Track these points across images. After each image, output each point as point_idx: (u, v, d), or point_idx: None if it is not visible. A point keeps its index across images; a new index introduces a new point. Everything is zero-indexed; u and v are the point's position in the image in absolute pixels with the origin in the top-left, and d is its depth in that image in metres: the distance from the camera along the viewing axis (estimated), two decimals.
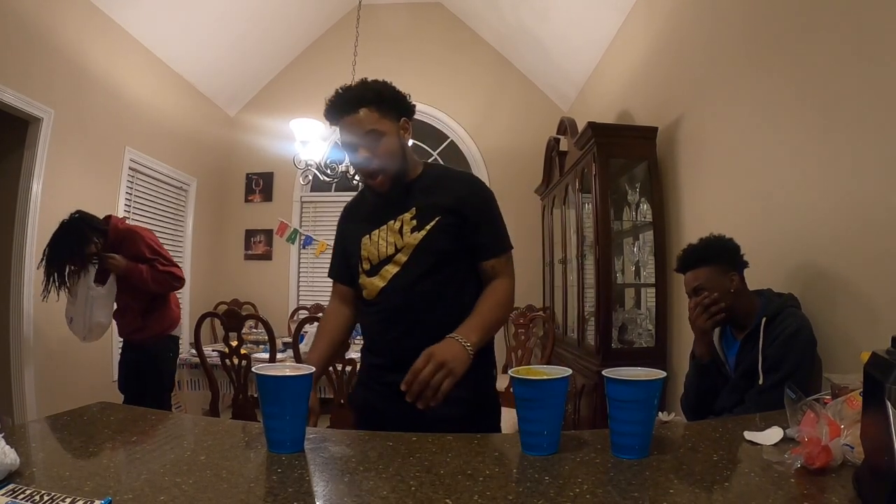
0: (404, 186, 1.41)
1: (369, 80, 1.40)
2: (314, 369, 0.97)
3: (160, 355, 2.85)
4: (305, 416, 0.96)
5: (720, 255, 1.81)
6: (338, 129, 1.39)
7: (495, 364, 1.51)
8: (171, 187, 4.79)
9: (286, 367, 0.96)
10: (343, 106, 1.34)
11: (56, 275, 2.66)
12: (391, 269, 1.38)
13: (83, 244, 2.68)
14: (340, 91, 1.36)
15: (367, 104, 1.34)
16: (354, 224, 1.51)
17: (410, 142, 1.50)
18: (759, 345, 1.67)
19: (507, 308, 1.42)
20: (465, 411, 1.30)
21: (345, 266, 1.51)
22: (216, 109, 5.44)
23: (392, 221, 1.40)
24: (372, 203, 1.48)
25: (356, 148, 1.36)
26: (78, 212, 2.76)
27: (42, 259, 2.67)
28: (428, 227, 1.37)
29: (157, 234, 4.55)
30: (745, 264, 1.84)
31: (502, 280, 1.42)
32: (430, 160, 4.69)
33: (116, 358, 4.07)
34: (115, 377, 3.02)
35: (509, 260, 1.45)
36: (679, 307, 2.83)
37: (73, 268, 2.71)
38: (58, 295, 2.70)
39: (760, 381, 1.64)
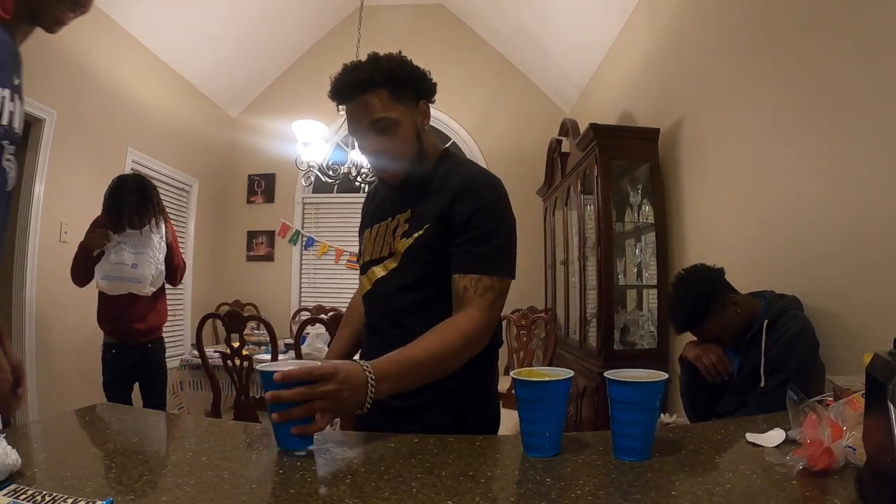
0: (411, 181, 1.23)
1: (382, 55, 1.18)
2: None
3: (158, 354, 2.91)
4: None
5: (710, 297, 1.74)
6: (344, 112, 1.20)
7: (493, 375, 1.29)
8: (173, 188, 4.79)
9: (290, 365, 0.95)
10: (350, 88, 1.15)
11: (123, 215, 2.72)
12: (377, 272, 1.25)
13: (152, 196, 2.83)
14: (348, 68, 1.17)
15: (378, 87, 1.14)
16: (368, 210, 1.39)
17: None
18: (761, 347, 1.67)
19: (457, 356, 1.08)
20: None
21: None
22: (218, 111, 5.45)
23: (390, 219, 1.25)
24: (382, 193, 1.34)
25: (364, 137, 1.18)
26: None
27: (113, 199, 2.72)
28: (415, 236, 1.18)
29: None
30: (722, 270, 1.83)
31: (469, 311, 1.09)
32: None
33: None
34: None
35: (492, 290, 1.11)
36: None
37: (134, 219, 2.77)
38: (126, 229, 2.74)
39: (762, 384, 1.64)
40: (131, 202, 2.72)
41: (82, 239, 2.75)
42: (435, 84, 1.24)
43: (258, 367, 0.91)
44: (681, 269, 1.89)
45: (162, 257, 2.84)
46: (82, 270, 2.75)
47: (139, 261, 2.75)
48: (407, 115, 1.18)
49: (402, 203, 1.24)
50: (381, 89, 1.14)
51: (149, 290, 2.76)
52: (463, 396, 1.21)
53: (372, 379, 0.95)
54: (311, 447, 0.90)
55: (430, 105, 1.26)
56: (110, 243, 2.72)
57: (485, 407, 1.27)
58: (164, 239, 2.89)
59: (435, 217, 1.17)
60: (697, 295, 1.75)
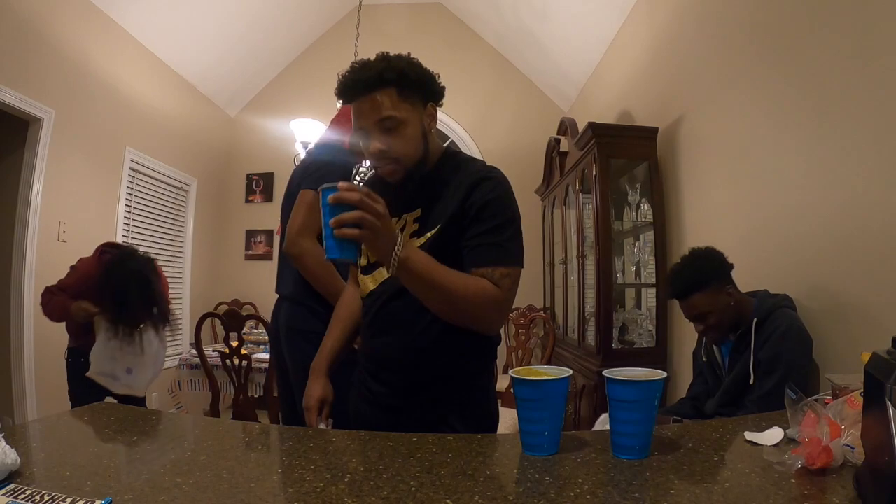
0: (416, 179, 1.23)
1: (392, 55, 1.18)
2: None
3: None
4: None
5: (711, 275, 1.78)
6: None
7: (492, 374, 1.32)
8: (172, 187, 4.79)
9: None
10: (359, 85, 1.15)
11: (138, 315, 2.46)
12: (384, 272, 1.23)
13: (155, 291, 2.53)
14: (357, 66, 1.16)
15: (387, 85, 1.14)
16: None
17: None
18: (750, 346, 1.68)
19: (464, 299, 1.11)
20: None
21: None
22: (216, 110, 5.44)
23: (397, 219, 1.23)
24: (381, 191, 1.32)
25: (369, 135, 1.17)
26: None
27: (109, 289, 2.41)
28: (428, 235, 1.19)
29: (158, 235, 4.63)
30: (731, 266, 1.84)
31: (493, 285, 1.14)
32: None
33: None
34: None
35: (508, 276, 1.16)
36: (679, 308, 2.83)
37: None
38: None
39: (751, 381, 1.64)
40: (133, 299, 2.41)
41: (61, 290, 2.50)
42: (443, 88, 1.24)
43: (323, 186, 0.98)
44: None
45: (163, 354, 2.57)
46: (59, 318, 2.52)
47: (136, 365, 2.44)
48: (414, 115, 1.19)
49: (410, 202, 1.24)
50: (390, 88, 1.15)
51: (142, 393, 2.54)
52: (462, 395, 1.21)
53: (400, 240, 1.03)
54: (353, 261, 1.07)
55: (438, 108, 1.26)
56: (103, 327, 2.44)
57: (484, 405, 1.27)
58: (163, 336, 2.59)
59: (450, 217, 1.18)
60: (701, 267, 1.79)
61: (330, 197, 0.97)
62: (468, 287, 1.11)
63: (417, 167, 1.21)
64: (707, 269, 1.79)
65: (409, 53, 1.22)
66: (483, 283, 1.13)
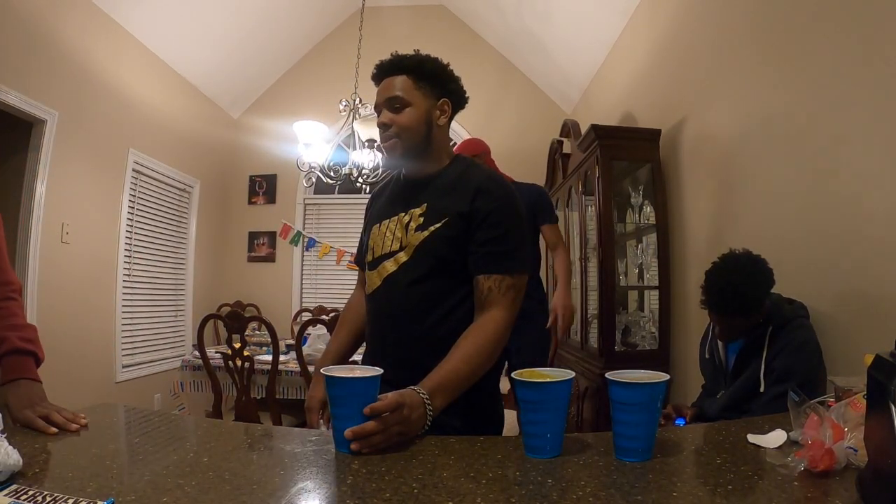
0: (423, 178, 1.31)
1: (423, 54, 1.33)
2: (381, 371, 0.97)
3: None
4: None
5: (760, 302, 1.66)
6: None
7: (499, 377, 1.32)
8: (175, 189, 4.80)
9: (356, 370, 0.98)
10: (382, 69, 1.31)
11: None
12: (388, 267, 1.28)
13: None
14: (391, 55, 1.33)
15: (402, 71, 1.28)
16: (375, 210, 1.43)
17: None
18: (762, 352, 1.66)
19: (490, 358, 1.18)
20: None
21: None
22: (219, 112, 5.46)
23: (403, 214, 1.29)
24: (391, 191, 1.41)
25: (381, 109, 1.31)
26: None
27: None
28: (432, 229, 1.23)
29: (161, 236, 4.64)
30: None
31: (494, 314, 1.19)
32: None
33: (121, 355, 4.09)
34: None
35: (513, 288, 1.21)
36: (682, 310, 2.82)
37: None
38: None
39: (762, 389, 1.63)
40: None
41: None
42: (464, 93, 1.37)
43: (326, 371, 0.93)
44: (748, 250, 1.74)
45: None
46: None
47: None
48: (422, 101, 1.28)
49: (416, 198, 1.29)
50: (405, 74, 1.28)
51: None
52: (473, 398, 1.21)
53: (426, 397, 1.02)
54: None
55: (454, 111, 1.37)
56: None
57: (488, 407, 1.29)
58: None
59: (458, 214, 1.23)
60: (753, 296, 1.65)
61: (367, 410, 0.91)
62: (479, 348, 1.16)
63: (415, 151, 1.29)
64: (758, 296, 1.66)
65: (447, 64, 1.34)
66: (484, 329, 1.17)
